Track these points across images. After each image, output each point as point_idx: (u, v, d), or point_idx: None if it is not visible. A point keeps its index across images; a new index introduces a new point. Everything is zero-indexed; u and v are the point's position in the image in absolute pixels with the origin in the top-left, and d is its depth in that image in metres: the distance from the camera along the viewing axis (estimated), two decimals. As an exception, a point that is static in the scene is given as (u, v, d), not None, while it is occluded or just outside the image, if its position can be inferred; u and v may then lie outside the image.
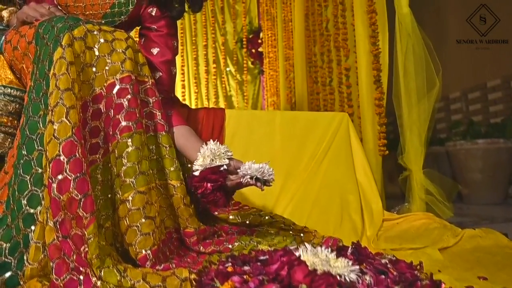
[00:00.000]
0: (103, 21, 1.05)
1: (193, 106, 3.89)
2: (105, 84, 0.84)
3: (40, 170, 0.75)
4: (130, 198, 0.77)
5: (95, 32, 0.84)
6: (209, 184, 0.86)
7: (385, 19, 1.60)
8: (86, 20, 0.86)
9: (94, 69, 0.83)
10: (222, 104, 3.93)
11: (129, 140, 0.80)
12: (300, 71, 2.50)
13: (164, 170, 0.92)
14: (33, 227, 0.73)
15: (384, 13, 1.60)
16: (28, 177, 0.75)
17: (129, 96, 0.83)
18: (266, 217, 1.10)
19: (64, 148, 0.69)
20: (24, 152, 0.77)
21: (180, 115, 1.08)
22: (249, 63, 4.07)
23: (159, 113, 0.92)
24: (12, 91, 0.90)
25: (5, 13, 0.96)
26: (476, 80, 3.13)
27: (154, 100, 0.92)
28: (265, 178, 0.85)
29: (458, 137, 2.58)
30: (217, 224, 1.09)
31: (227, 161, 0.89)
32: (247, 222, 1.09)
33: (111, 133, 0.82)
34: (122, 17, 1.06)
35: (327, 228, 1.15)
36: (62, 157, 0.69)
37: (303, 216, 1.18)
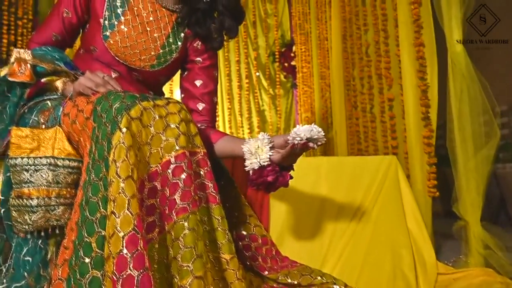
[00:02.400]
0: (155, 62, 1.08)
1: (226, 123, 3.91)
2: (160, 161, 0.84)
3: (100, 253, 0.76)
4: (188, 285, 0.77)
5: (150, 109, 0.84)
6: (261, 187, 0.89)
7: (433, 52, 1.53)
8: (141, 95, 0.86)
9: (149, 146, 0.84)
10: (255, 120, 3.92)
11: (186, 223, 0.80)
12: (338, 94, 2.45)
13: (216, 243, 0.91)
14: (94, 311, 0.74)
15: (433, 46, 1.53)
16: (88, 260, 0.76)
17: (184, 175, 0.83)
18: (318, 278, 1.07)
19: (127, 242, 0.70)
20: (84, 234, 0.78)
21: (218, 131, 1.12)
22: (282, 76, 4.03)
23: (211, 184, 0.91)
24: (70, 162, 0.92)
25: (59, 83, 0.99)
26: (525, 93, 2.95)
27: (206, 170, 0.92)
28: (315, 137, 0.83)
29: (508, 155, 2.44)
30: (265, 285, 1.07)
31: (267, 148, 0.88)
32: (297, 282, 1.07)
33: (167, 212, 0.82)
34: (173, 54, 1.10)
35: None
36: (125, 252, 0.69)
37: (353, 274, 1.14)
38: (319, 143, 0.86)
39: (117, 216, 0.71)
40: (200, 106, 1.12)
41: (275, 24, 4.04)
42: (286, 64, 3.99)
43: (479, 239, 1.18)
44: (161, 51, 1.08)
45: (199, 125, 1.10)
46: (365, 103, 2.14)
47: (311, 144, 0.85)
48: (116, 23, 1.05)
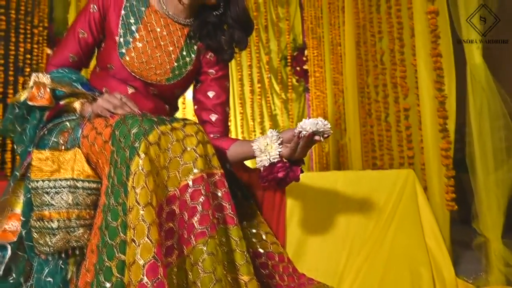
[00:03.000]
0: (171, 75, 1.11)
1: (238, 127, 3.91)
2: (178, 185, 0.84)
3: (121, 277, 0.77)
4: None
5: (168, 133, 0.85)
6: (272, 183, 0.93)
7: (451, 62, 1.50)
8: (158, 119, 0.87)
9: (167, 170, 0.84)
10: (267, 124, 3.92)
11: (205, 247, 0.80)
12: (352, 100, 2.43)
13: (234, 264, 0.91)
14: (115, 337, 0.75)
15: (451, 56, 1.50)
16: (109, 285, 0.77)
17: (202, 198, 0.83)
18: (335, 297, 1.06)
19: (147, 271, 0.70)
20: (105, 258, 0.79)
21: (230, 138, 1.15)
22: (294, 80, 4.02)
23: (229, 205, 0.91)
24: (89, 184, 0.93)
25: (77, 105, 1.00)
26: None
27: (223, 192, 0.92)
28: (321, 130, 0.85)
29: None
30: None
31: (276, 145, 0.91)
32: (314, 301, 1.06)
33: (185, 236, 0.82)
34: (188, 67, 1.13)
35: (398, 307, 1.09)
36: (145, 280, 0.70)
37: (371, 293, 1.13)
38: (325, 135, 0.87)
39: (137, 244, 0.72)
40: (213, 117, 1.15)
41: (287, 28, 4.03)
42: (298, 68, 3.97)
43: (500, 256, 1.16)
44: (175, 64, 1.11)
45: (212, 136, 1.14)
46: (379, 111, 2.12)
47: (317, 137, 0.87)
48: (131, 40, 1.08)
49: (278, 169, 0.90)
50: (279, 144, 0.91)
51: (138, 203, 0.75)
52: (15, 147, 1.03)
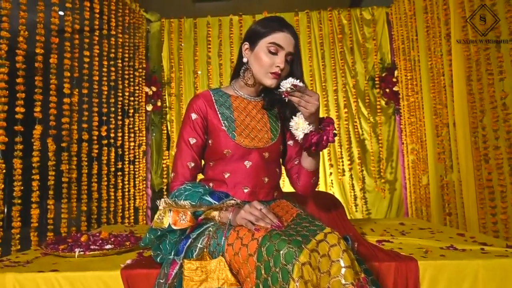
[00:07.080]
0: (272, 135, 1.28)
1: (325, 155, 3.83)
2: None
3: None
4: None
5: (316, 250, 0.88)
6: (311, 147, 1.17)
7: None
8: (302, 236, 0.88)
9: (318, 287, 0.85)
10: (355, 150, 3.78)
11: None
12: (463, 140, 2.22)
13: None
14: None
15: None
16: None
17: None
18: None
19: None
20: None
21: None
22: (383, 102, 3.82)
23: None
24: (236, 293, 0.96)
25: (215, 213, 1.06)
26: None
27: None
28: (284, 87, 1.12)
29: None
30: None
31: (303, 121, 1.16)
32: None
33: None
34: (278, 123, 1.33)
35: None
36: None
37: None
38: (292, 88, 1.11)
39: None
40: (296, 161, 1.34)
41: (374, 48, 3.85)
42: (387, 90, 3.77)
43: None
44: (269, 125, 1.30)
45: (296, 175, 1.32)
46: (500, 158, 1.90)
47: (288, 89, 1.11)
48: (233, 123, 1.24)
49: (311, 137, 1.15)
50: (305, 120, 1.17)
51: None
52: (152, 253, 1.13)
